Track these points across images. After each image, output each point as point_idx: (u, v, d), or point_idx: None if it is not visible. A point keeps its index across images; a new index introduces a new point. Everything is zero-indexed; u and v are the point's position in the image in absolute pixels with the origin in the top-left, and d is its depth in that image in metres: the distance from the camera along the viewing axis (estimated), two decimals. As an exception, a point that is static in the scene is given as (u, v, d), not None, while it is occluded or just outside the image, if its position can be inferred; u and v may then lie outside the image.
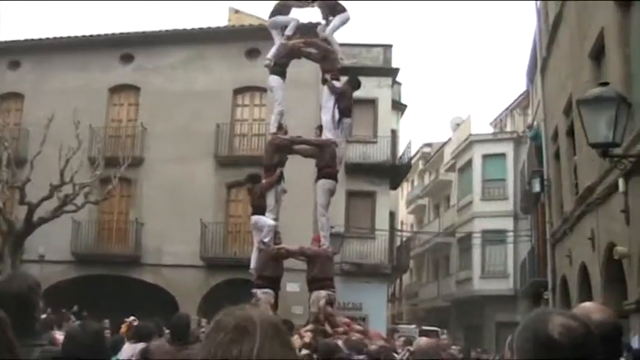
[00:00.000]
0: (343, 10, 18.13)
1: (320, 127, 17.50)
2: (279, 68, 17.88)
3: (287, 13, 18.68)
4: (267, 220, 16.73)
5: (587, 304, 3.36)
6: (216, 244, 32.14)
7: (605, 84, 11.55)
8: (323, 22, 18.36)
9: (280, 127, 17.65)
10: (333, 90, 17.44)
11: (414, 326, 40.15)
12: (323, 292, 15.81)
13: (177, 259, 31.66)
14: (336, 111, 17.45)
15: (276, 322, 2.22)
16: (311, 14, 19.04)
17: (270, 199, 16.96)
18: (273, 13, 18.50)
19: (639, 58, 13.37)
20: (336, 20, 18.10)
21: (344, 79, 18.26)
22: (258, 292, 16.02)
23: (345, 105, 17.52)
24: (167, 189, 32.17)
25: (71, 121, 27.00)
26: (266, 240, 16.53)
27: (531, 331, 2.53)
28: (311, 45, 18.14)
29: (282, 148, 17.33)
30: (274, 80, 17.85)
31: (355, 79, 18.60)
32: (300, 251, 16.95)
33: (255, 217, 17.01)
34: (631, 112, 11.70)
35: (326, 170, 16.77)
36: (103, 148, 31.06)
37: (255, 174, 17.88)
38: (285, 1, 18.61)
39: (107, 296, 28.23)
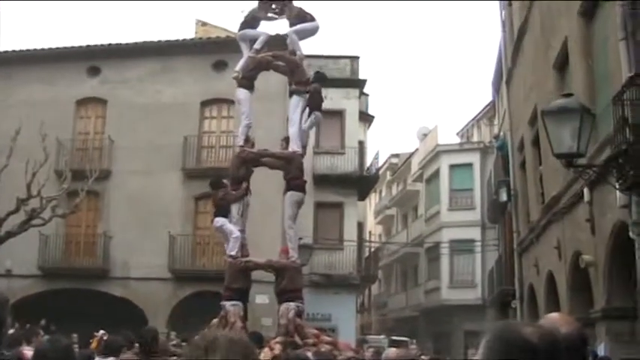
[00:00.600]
0: (313, 19, 18.15)
1: (286, 139, 17.49)
2: (247, 81, 17.84)
3: (256, 26, 18.67)
4: (233, 228, 16.66)
5: (553, 315, 3.43)
6: (185, 257, 32.01)
7: (569, 95, 11.70)
8: (290, 29, 18.27)
9: (247, 140, 17.61)
10: (302, 93, 17.41)
11: (383, 336, 40.25)
12: (292, 304, 15.82)
13: (145, 271, 31.49)
14: (306, 112, 17.45)
15: (239, 339, 2.51)
16: (280, 26, 19.09)
17: (234, 211, 16.91)
18: (243, 26, 18.48)
19: (602, 69, 13.55)
20: (307, 24, 18.08)
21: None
22: (227, 304, 15.98)
23: (316, 101, 17.55)
24: (135, 202, 32.05)
25: (38, 134, 26.79)
26: (232, 252, 16.50)
27: (505, 340, 2.61)
28: (279, 58, 18.14)
29: (248, 161, 17.32)
30: (242, 93, 17.82)
31: (319, 73, 18.65)
32: (269, 264, 16.95)
33: (220, 220, 16.91)
34: (595, 123, 11.85)
35: (294, 182, 16.78)
36: (70, 161, 30.83)
37: (217, 179, 17.85)
38: (255, 15, 18.60)
39: (75, 310, 28.02)
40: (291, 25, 18.22)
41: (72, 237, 33.44)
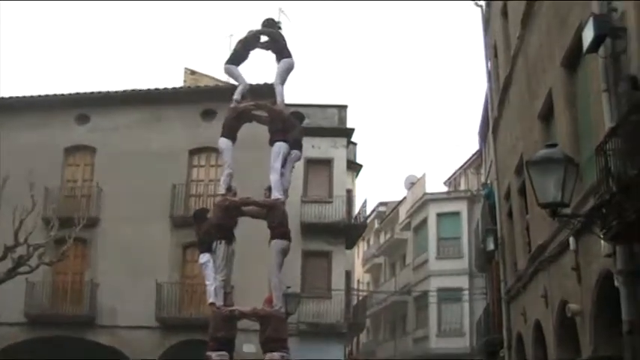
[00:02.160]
0: (289, 55, 18.19)
1: (269, 188, 17.48)
2: (228, 131, 17.87)
3: (246, 56, 18.66)
4: (210, 274, 16.50)
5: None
6: (172, 305, 31.89)
7: (554, 145, 11.78)
8: (274, 82, 18.33)
9: (229, 189, 17.59)
10: (283, 140, 17.38)
11: (371, 386, 40.08)
12: (276, 354, 15.69)
13: (132, 319, 31.34)
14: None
15: None
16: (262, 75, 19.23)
17: (219, 253, 16.76)
18: (230, 60, 18.45)
19: (586, 120, 13.67)
20: (281, 65, 18.14)
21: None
22: (213, 354, 15.87)
23: (295, 137, 17.57)
24: (122, 249, 31.94)
25: (26, 181, 26.74)
26: (210, 300, 16.37)
27: None
28: (261, 107, 18.20)
29: (231, 209, 17.26)
30: (224, 142, 17.79)
31: (297, 113, 18.73)
32: (253, 312, 16.83)
33: (204, 257, 16.74)
34: (579, 173, 11.93)
35: (278, 230, 16.71)
36: (57, 208, 30.78)
37: (201, 211, 17.92)
38: (245, 43, 18.62)
39: (62, 358, 27.89)
40: (277, 60, 18.31)
41: (59, 284, 33.28)
